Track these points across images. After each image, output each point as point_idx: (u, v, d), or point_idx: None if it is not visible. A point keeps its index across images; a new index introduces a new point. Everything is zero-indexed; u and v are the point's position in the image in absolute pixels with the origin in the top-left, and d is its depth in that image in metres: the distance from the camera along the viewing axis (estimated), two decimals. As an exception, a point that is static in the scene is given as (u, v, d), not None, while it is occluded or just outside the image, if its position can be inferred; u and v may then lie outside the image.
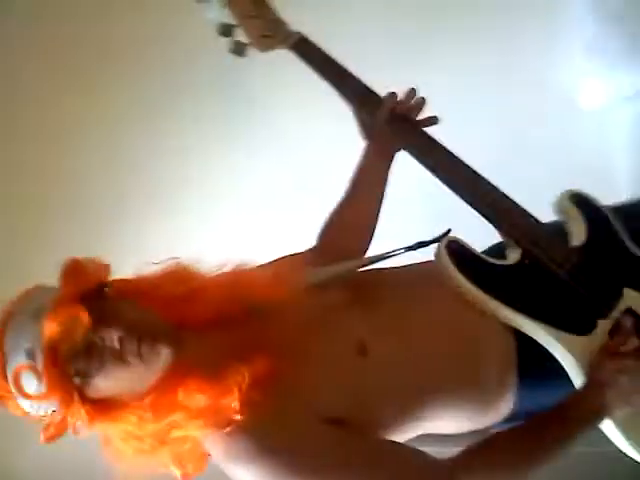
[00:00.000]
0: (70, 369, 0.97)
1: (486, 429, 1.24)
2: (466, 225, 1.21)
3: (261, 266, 1.21)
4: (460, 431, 1.23)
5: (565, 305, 1.19)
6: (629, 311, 1.18)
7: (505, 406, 1.21)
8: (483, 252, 1.26)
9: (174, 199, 2.04)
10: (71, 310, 0.95)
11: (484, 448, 1.11)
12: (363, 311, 1.16)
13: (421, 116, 1.33)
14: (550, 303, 1.19)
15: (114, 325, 0.98)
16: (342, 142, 1.43)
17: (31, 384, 0.96)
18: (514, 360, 1.20)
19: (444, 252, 1.19)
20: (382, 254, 1.28)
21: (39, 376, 0.95)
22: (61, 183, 1.96)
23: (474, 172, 1.26)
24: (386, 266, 1.30)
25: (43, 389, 0.96)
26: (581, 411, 1.12)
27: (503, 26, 2.17)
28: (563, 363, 1.16)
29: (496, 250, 1.27)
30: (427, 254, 1.26)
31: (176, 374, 1.01)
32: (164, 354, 1.01)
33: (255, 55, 1.46)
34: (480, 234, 1.24)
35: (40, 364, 0.95)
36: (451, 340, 1.18)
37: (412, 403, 1.13)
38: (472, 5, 2.19)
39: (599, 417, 1.12)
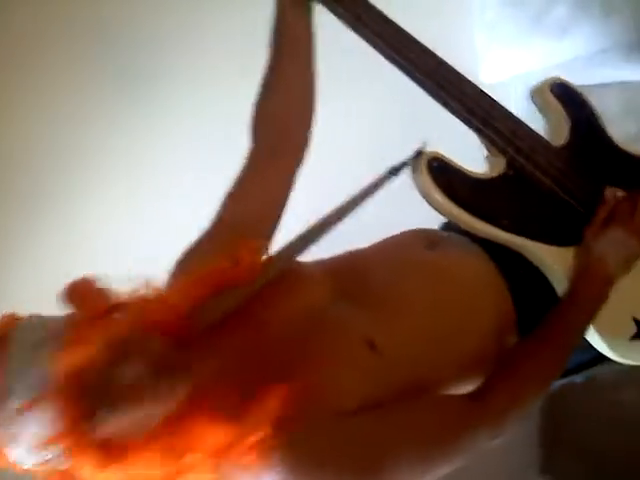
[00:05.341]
0: (80, 408, 0.86)
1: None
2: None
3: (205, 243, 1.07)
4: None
5: (553, 216, 1.15)
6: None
7: None
8: None
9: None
10: (82, 345, 0.84)
11: (503, 369, 1.09)
12: (354, 304, 1.08)
13: None
14: (538, 216, 1.15)
15: (129, 360, 0.88)
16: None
17: (32, 426, 0.86)
18: (511, 308, 1.16)
19: (425, 173, 1.10)
20: (355, 196, 1.10)
21: (45, 417, 0.85)
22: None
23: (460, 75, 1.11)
24: (355, 249, 1.19)
25: (50, 431, 0.85)
26: (590, 289, 1.11)
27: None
28: (551, 277, 1.15)
29: None
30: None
31: (187, 407, 0.91)
32: (179, 391, 0.90)
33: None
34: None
35: (48, 403, 0.84)
36: (451, 309, 1.12)
37: (432, 377, 1.08)
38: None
39: (608, 288, 1.12)
